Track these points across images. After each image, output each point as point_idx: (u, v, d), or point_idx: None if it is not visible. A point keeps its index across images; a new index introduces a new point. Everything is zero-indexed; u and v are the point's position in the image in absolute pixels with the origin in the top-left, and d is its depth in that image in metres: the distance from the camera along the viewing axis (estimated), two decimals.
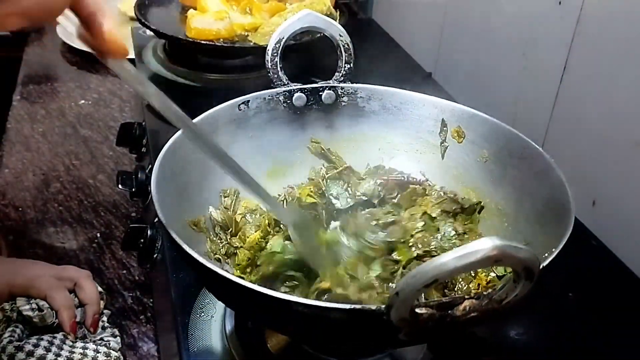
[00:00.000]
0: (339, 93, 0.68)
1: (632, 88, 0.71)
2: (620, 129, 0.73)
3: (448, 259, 0.32)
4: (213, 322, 0.61)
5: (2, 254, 0.79)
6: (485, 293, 0.37)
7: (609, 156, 0.76)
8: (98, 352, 0.65)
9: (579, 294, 0.68)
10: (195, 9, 1.11)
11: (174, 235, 0.44)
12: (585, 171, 0.78)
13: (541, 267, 0.35)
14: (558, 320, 0.66)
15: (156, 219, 0.76)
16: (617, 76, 0.73)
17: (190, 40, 1.04)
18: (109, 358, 0.65)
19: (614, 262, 0.74)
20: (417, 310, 0.36)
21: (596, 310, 0.67)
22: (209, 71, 1.12)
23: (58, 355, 0.63)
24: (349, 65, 0.68)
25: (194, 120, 0.60)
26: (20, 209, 0.92)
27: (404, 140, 0.68)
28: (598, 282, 0.72)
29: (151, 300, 0.76)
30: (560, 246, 0.44)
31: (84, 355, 0.64)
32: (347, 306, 0.37)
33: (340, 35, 0.67)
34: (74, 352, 0.64)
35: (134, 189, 0.86)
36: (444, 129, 0.66)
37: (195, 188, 0.59)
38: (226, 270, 0.45)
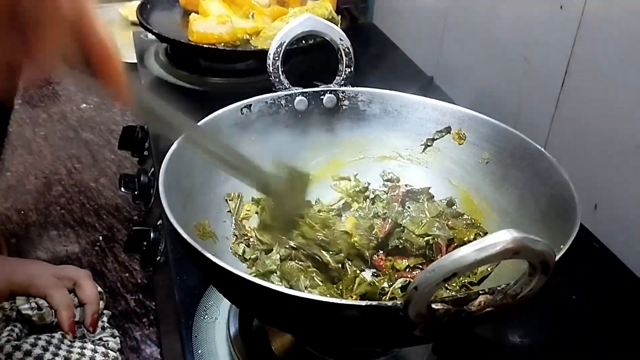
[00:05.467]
0: (340, 97, 0.69)
1: (634, 91, 0.71)
2: (622, 133, 0.73)
3: (467, 252, 0.32)
4: (217, 324, 0.61)
5: (3, 253, 0.79)
6: (499, 288, 0.37)
7: (610, 159, 0.76)
8: (96, 352, 0.65)
9: (582, 296, 0.68)
10: (197, 12, 1.11)
11: (186, 236, 0.44)
12: (587, 175, 0.78)
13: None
14: (562, 323, 0.66)
15: (159, 222, 0.77)
16: (618, 80, 0.73)
17: (193, 44, 1.04)
18: (106, 358, 0.65)
19: (616, 265, 0.74)
20: (434, 305, 0.36)
21: (599, 313, 0.67)
22: (211, 75, 1.12)
23: (55, 354, 0.62)
24: (349, 69, 0.68)
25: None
26: (22, 212, 0.92)
27: (404, 143, 0.69)
28: (601, 284, 0.72)
29: (154, 303, 0.76)
30: (569, 243, 0.44)
31: (82, 355, 0.63)
32: (363, 303, 0.37)
33: (341, 39, 0.67)
34: (71, 352, 0.63)
35: (136, 192, 0.86)
36: (442, 133, 0.66)
37: (200, 191, 0.59)
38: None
